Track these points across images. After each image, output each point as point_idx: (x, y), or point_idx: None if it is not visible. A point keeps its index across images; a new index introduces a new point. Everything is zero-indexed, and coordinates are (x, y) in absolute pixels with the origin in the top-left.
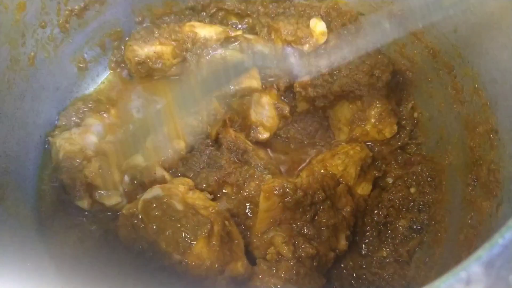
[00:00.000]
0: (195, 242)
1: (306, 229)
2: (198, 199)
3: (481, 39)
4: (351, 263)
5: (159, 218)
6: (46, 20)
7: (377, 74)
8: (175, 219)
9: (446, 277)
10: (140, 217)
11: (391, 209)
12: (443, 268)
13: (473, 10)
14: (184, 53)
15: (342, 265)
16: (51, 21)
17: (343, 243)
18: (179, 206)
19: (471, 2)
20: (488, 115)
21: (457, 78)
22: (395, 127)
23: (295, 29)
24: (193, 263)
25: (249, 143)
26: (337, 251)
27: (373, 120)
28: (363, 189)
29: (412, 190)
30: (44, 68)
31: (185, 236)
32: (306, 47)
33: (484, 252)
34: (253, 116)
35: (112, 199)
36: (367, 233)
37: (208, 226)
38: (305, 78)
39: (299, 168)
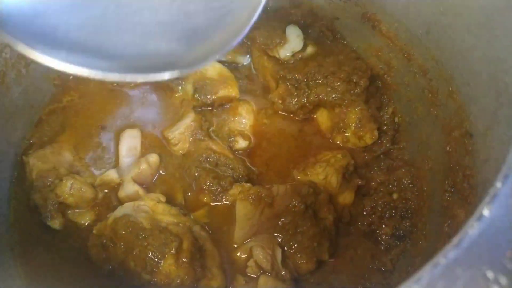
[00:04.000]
0: (162, 261)
1: (287, 240)
2: (169, 215)
3: (453, 41)
4: (333, 274)
5: (126, 237)
6: None
7: (355, 80)
8: (142, 237)
9: None
10: (109, 236)
11: (373, 216)
12: None
13: (443, 11)
14: None
15: (324, 276)
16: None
17: (324, 254)
18: (147, 224)
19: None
20: (462, 118)
21: (433, 81)
22: (376, 133)
23: (271, 36)
24: (162, 282)
25: (228, 152)
26: (318, 261)
27: (353, 127)
28: (346, 198)
29: (395, 196)
30: (16, 87)
31: (152, 255)
32: (282, 55)
33: (424, 274)
34: (231, 125)
35: (85, 218)
36: (351, 243)
37: (176, 244)
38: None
39: (281, 176)
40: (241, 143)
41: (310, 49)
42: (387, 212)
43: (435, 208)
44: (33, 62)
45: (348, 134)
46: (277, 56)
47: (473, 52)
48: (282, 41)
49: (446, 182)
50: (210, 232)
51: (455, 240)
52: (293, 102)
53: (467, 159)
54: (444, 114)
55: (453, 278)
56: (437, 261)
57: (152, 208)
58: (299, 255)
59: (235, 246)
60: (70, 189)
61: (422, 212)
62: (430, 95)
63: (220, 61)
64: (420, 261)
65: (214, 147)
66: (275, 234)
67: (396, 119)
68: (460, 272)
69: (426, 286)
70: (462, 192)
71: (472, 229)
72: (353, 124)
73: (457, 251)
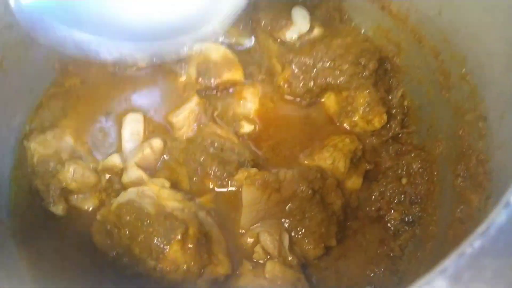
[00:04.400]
0: (168, 247)
1: (294, 225)
2: (174, 200)
3: (467, 21)
4: (340, 259)
5: (131, 223)
6: (11, 21)
7: (363, 63)
8: (147, 223)
9: None
10: (114, 222)
11: (382, 201)
12: (432, 264)
13: None
14: None
15: (331, 261)
16: (18, 21)
17: (332, 239)
18: (152, 210)
19: None
20: (476, 101)
21: (445, 63)
22: (385, 117)
23: (276, 18)
24: (168, 268)
25: (233, 137)
26: (326, 247)
27: (361, 111)
28: (354, 183)
29: (404, 181)
30: (15, 71)
31: (158, 241)
32: (288, 37)
33: (450, 264)
34: (236, 109)
35: (88, 203)
36: (359, 228)
37: (181, 230)
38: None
39: (288, 161)
40: (246, 128)
41: (317, 31)
42: (396, 197)
43: (446, 193)
44: (32, 45)
45: (356, 118)
46: (282, 38)
47: (489, 32)
48: (288, 23)
49: (459, 167)
50: (216, 217)
51: (481, 228)
52: (300, 85)
53: (481, 143)
54: (457, 97)
55: (480, 268)
56: (463, 250)
57: (157, 193)
58: (306, 241)
59: (242, 231)
60: (73, 174)
61: (432, 197)
62: (442, 77)
63: (223, 44)
64: (431, 247)
65: (219, 131)
66: (282, 219)
67: (405, 103)
68: (487, 262)
69: (452, 276)
70: (476, 177)
71: (499, 217)
72: (361, 108)
73: (484, 240)
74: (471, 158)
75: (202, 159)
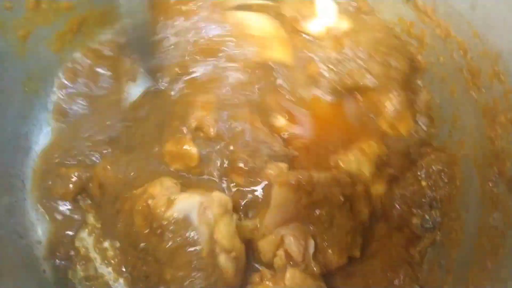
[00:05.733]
0: None
1: (320, 232)
2: (227, 235)
3: (504, 15)
4: (359, 266)
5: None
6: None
7: (393, 64)
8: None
9: None
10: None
11: (403, 206)
12: (463, 273)
13: None
14: None
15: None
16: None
17: (356, 250)
18: (205, 248)
19: None
20: (511, 102)
21: (474, 60)
22: (412, 123)
23: (299, 9)
24: None
25: (265, 129)
26: (349, 258)
27: (387, 114)
28: (377, 189)
29: (423, 183)
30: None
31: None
32: (312, 30)
33: None
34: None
35: None
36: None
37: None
38: None
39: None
40: (280, 121)
41: (342, 24)
42: (415, 201)
43: (472, 197)
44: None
45: (380, 122)
46: (306, 31)
47: None
48: (312, 14)
49: (490, 171)
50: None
51: None
52: (325, 83)
53: None
54: (487, 97)
55: None
56: None
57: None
58: (330, 250)
59: (264, 233)
60: None
61: (454, 201)
62: (470, 76)
63: None
64: (458, 254)
65: (251, 123)
66: (309, 225)
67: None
68: None
69: None
70: None
71: None
72: (387, 111)
73: None
74: (505, 162)
75: (231, 148)
